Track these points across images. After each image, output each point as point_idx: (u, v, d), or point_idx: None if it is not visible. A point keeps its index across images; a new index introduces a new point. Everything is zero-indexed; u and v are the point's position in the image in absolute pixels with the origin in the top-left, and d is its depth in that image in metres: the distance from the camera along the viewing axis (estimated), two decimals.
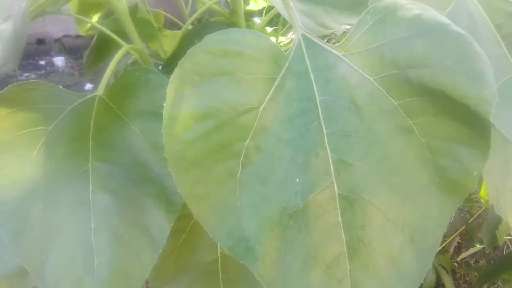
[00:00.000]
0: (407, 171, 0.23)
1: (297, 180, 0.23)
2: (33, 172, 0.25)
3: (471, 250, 1.10)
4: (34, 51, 2.59)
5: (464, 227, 1.00)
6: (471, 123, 0.22)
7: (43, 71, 2.46)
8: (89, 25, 0.70)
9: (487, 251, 1.08)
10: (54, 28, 2.61)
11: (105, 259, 0.26)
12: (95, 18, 0.65)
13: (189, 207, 0.22)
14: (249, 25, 0.49)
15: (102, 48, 0.56)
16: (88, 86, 2.25)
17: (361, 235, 0.23)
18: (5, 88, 0.27)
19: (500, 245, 1.17)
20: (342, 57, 0.26)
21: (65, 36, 2.67)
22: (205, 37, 0.21)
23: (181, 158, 0.21)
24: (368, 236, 0.23)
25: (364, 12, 0.25)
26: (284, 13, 0.32)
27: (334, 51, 0.26)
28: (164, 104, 0.21)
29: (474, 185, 0.23)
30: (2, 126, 0.26)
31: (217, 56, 0.21)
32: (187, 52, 0.21)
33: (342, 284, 0.23)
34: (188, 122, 0.21)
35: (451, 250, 1.10)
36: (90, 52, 0.58)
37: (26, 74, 2.35)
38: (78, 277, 0.26)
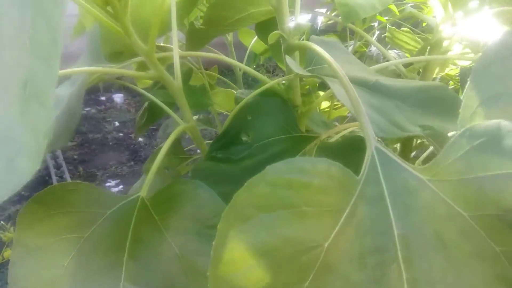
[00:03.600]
0: None
1: None
2: (61, 286, 0.22)
3: None
4: (96, 88, 2.78)
5: None
6: None
7: (103, 106, 2.62)
8: (147, 81, 0.72)
9: None
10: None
11: None
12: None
13: None
14: (305, 101, 0.47)
15: (154, 112, 0.56)
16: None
17: None
18: (46, 188, 0.26)
19: None
20: (428, 182, 0.21)
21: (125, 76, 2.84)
22: (267, 167, 0.18)
23: None
24: None
25: (459, 134, 0.21)
26: (352, 111, 0.29)
27: (416, 173, 0.22)
28: (214, 237, 0.17)
29: None
30: (38, 230, 0.24)
31: (280, 188, 0.18)
32: (246, 183, 0.18)
33: None
34: (239, 263, 0.17)
35: None
36: (143, 114, 0.58)
37: (87, 109, 2.50)
38: None
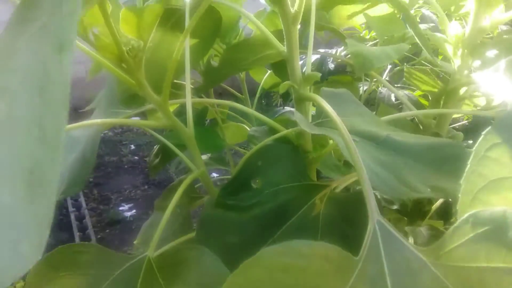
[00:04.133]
0: None
1: None
2: None
3: None
4: None
5: None
6: None
7: (120, 129, 2.69)
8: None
9: None
10: None
11: None
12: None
13: None
14: (316, 146, 0.47)
15: (167, 153, 0.57)
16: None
17: None
18: (55, 249, 0.26)
19: None
20: (430, 265, 0.21)
21: None
22: (262, 250, 0.18)
23: None
24: None
25: (462, 219, 0.20)
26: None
27: (419, 254, 0.21)
28: None
29: None
30: None
31: (276, 272, 0.18)
32: (241, 265, 0.18)
33: None
34: None
35: None
36: (156, 154, 0.59)
37: (105, 132, 2.57)
38: None
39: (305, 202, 0.40)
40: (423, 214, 0.57)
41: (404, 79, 0.68)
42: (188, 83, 0.41)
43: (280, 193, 0.41)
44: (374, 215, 0.23)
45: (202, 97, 0.66)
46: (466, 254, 0.19)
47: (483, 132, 0.22)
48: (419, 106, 0.74)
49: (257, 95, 0.80)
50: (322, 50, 0.80)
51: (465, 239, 0.20)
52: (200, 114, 0.54)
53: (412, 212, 0.57)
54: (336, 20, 0.62)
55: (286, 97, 0.87)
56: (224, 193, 0.42)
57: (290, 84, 0.41)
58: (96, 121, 0.38)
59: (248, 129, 0.73)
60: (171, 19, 0.50)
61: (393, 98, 0.77)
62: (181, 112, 0.69)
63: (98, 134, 0.38)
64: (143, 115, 0.52)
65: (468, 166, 0.22)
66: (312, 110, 0.47)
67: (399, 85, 0.83)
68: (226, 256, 0.37)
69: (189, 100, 0.41)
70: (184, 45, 0.35)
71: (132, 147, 2.38)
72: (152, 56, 0.42)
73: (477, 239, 0.19)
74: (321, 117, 0.37)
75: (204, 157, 0.60)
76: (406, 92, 0.77)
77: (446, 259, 0.20)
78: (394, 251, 0.21)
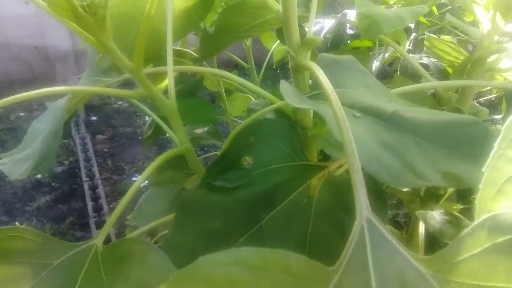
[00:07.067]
0: None
1: None
2: None
3: None
4: (130, 81, 2.85)
5: None
6: None
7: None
8: None
9: None
10: None
11: None
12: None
13: None
14: (317, 121, 0.41)
15: (158, 125, 0.53)
16: None
17: None
18: None
19: None
20: (430, 278, 0.16)
21: None
22: (200, 258, 0.14)
23: None
24: None
25: (477, 223, 0.15)
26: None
27: (416, 263, 0.16)
28: None
29: None
30: None
31: (217, 286, 0.14)
32: (171, 277, 0.14)
33: None
34: None
35: None
36: (150, 125, 0.55)
37: (120, 103, 2.56)
38: None
39: (298, 185, 0.35)
40: (437, 197, 0.51)
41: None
42: (169, 46, 0.36)
43: (272, 173, 0.36)
44: (363, 211, 0.18)
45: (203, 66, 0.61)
46: (480, 268, 0.15)
47: None
48: (446, 75, 0.67)
49: (264, 65, 0.75)
50: (339, 15, 0.73)
51: (479, 249, 0.15)
52: (194, 85, 0.49)
53: (425, 195, 0.52)
54: None
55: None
56: (211, 173, 0.38)
57: (286, 50, 0.36)
58: (65, 88, 0.34)
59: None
60: None
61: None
62: (181, 81, 0.64)
63: (64, 111, 0.34)
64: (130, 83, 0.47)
65: (495, 149, 0.17)
66: None
67: (423, 53, 0.75)
68: (206, 244, 0.34)
69: (170, 67, 0.36)
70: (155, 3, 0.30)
71: (147, 118, 2.37)
72: (125, 12, 0.37)
73: (495, 250, 0.14)
74: (316, 89, 0.32)
75: (199, 130, 0.55)
76: (433, 60, 0.69)
77: (452, 273, 0.15)
78: (385, 259, 0.17)
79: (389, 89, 0.34)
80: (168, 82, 0.37)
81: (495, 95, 0.61)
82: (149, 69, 0.40)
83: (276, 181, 0.36)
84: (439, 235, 0.43)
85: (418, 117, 0.29)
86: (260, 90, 0.42)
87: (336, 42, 0.62)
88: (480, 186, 0.17)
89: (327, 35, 0.72)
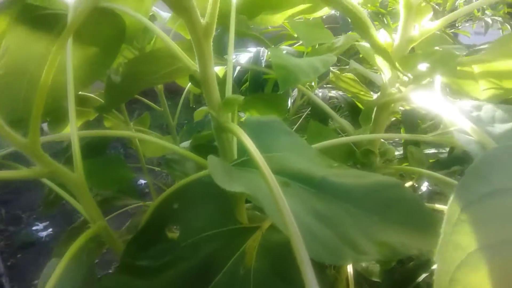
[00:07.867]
0: None
1: None
2: None
3: None
4: None
5: None
6: None
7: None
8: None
9: None
10: None
11: None
12: None
13: None
14: None
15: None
16: None
17: None
18: None
19: None
20: None
21: None
22: None
23: None
24: None
25: None
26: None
27: None
28: None
29: None
30: None
31: None
32: None
33: None
34: None
35: None
36: (49, 191, 0.48)
37: None
38: None
39: (232, 252, 0.33)
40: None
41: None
42: (72, 110, 0.31)
43: (202, 243, 0.34)
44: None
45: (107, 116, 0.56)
46: None
47: (456, 188, 0.18)
48: (353, 107, 0.71)
49: (180, 102, 0.71)
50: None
51: None
52: (100, 143, 0.44)
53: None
54: (263, 22, 0.56)
55: None
56: (131, 250, 0.34)
57: (206, 110, 0.34)
58: None
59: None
60: (54, 27, 0.39)
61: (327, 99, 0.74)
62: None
63: None
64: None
65: (441, 235, 0.17)
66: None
67: (330, 85, 0.79)
68: None
69: (74, 133, 0.31)
70: (58, 58, 0.26)
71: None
72: (14, 63, 0.32)
73: None
74: (244, 155, 0.31)
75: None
76: (341, 92, 0.73)
77: None
78: None
79: (312, 148, 0.34)
80: (73, 151, 0.32)
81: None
82: (49, 136, 0.35)
83: (207, 252, 0.33)
84: (366, 274, 0.44)
85: (346, 182, 0.29)
86: (177, 148, 0.40)
87: (255, 87, 0.62)
88: (434, 276, 0.17)
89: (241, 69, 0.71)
